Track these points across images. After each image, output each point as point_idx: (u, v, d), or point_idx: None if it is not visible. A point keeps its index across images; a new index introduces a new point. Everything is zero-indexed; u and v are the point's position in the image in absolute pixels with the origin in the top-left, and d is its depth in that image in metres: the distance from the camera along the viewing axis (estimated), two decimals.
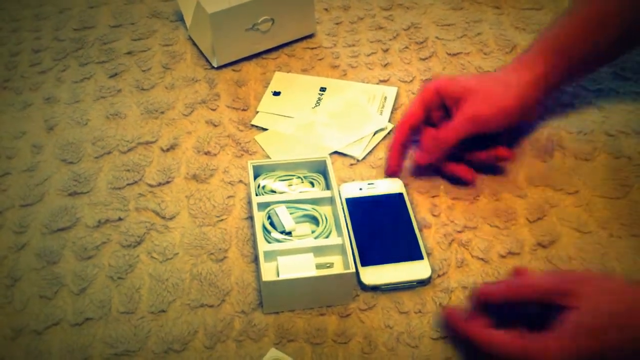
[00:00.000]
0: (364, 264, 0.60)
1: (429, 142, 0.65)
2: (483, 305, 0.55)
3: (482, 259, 0.62)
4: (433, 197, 0.67)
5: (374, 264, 0.60)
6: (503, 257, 0.62)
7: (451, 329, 0.56)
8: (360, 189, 0.66)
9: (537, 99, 0.66)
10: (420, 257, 0.60)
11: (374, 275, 0.59)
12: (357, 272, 0.59)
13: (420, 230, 0.63)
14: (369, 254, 0.61)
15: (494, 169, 0.68)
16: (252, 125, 0.75)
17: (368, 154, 0.71)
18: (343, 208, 0.64)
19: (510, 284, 0.55)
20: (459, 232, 0.64)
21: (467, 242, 0.63)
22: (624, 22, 0.64)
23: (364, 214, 0.64)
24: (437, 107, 0.67)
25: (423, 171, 0.68)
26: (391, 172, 0.68)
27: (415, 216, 0.64)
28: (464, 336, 0.54)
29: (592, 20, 0.65)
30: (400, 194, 0.66)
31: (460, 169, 0.67)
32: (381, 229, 0.63)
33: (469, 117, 0.64)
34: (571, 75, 0.68)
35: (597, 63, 0.70)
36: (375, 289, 0.59)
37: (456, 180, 0.67)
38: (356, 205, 0.65)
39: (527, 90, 0.64)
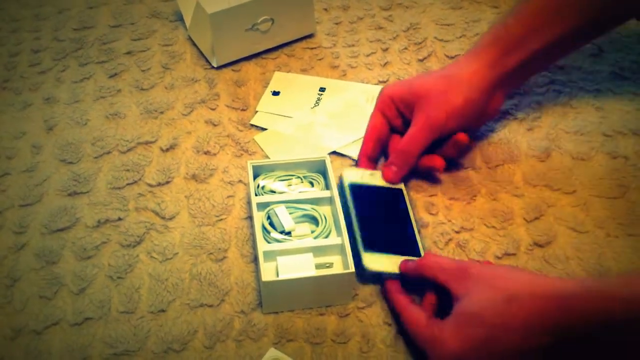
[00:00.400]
0: (366, 249, 0.60)
1: (395, 157, 0.65)
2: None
3: (478, 261, 0.62)
4: (430, 196, 0.67)
5: (376, 250, 0.60)
6: (499, 258, 0.62)
7: (387, 298, 0.58)
8: (362, 176, 0.66)
9: (487, 91, 0.64)
10: (419, 255, 0.60)
11: (376, 261, 0.59)
12: (358, 257, 0.59)
13: (419, 230, 0.63)
14: (371, 240, 0.60)
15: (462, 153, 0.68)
16: (252, 125, 0.75)
17: None
18: (345, 193, 0.64)
19: (421, 262, 0.57)
20: (457, 232, 0.64)
21: (464, 243, 0.63)
22: (583, 10, 0.62)
23: (366, 201, 0.64)
24: (395, 115, 0.67)
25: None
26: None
27: (414, 214, 0.64)
28: (392, 306, 0.57)
29: (548, 8, 0.63)
30: (400, 190, 0.66)
31: (431, 159, 0.66)
32: (382, 219, 0.63)
33: (426, 124, 0.63)
34: (526, 65, 0.64)
35: (558, 53, 0.67)
36: (376, 276, 0.59)
37: (428, 175, 0.68)
38: (359, 192, 0.64)
39: (473, 81, 0.63)
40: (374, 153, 0.68)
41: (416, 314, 0.54)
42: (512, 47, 0.63)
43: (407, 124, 0.66)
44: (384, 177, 0.66)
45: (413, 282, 0.58)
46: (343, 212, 0.62)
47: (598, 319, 0.45)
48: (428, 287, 0.57)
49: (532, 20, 0.63)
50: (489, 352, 0.49)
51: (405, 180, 0.67)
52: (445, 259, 0.56)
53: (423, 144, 0.64)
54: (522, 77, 0.68)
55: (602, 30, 0.68)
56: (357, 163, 0.68)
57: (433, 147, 0.65)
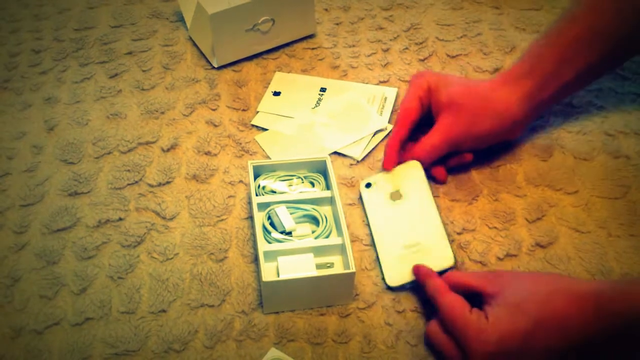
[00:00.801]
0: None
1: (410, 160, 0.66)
2: None
3: (480, 262, 0.62)
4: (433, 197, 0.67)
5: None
6: (501, 259, 0.62)
7: (419, 282, 0.58)
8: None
9: (518, 121, 0.65)
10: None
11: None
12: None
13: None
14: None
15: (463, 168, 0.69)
16: (253, 126, 0.75)
17: (368, 154, 0.71)
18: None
19: (447, 278, 0.57)
20: (458, 233, 0.64)
21: (465, 244, 0.63)
22: (615, 37, 0.63)
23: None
24: (427, 105, 0.67)
25: None
26: (389, 167, 0.67)
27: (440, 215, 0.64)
28: (427, 289, 0.57)
29: (582, 38, 0.63)
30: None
31: (436, 172, 0.67)
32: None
33: (448, 137, 0.65)
34: (561, 93, 0.66)
35: (586, 81, 0.68)
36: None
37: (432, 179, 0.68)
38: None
39: (508, 111, 0.64)
40: (406, 137, 0.67)
41: (457, 300, 0.54)
42: (548, 79, 0.64)
43: (429, 116, 0.67)
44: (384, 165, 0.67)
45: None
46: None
47: (634, 317, 0.47)
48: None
49: (566, 51, 0.64)
50: (527, 345, 0.50)
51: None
52: (469, 272, 0.58)
53: (438, 155, 0.66)
54: (549, 106, 0.69)
55: (632, 54, 0.68)
56: (387, 147, 0.67)
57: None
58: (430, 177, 0.68)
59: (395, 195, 0.65)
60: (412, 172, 0.66)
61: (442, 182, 0.68)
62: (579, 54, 0.63)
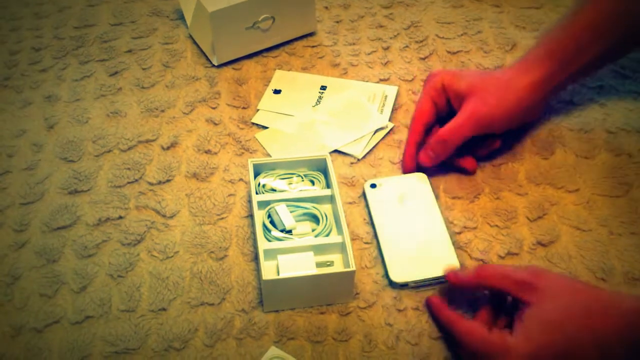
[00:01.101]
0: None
1: (436, 145, 0.66)
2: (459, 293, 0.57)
3: (481, 260, 0.62)
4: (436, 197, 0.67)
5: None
6: (502, 257, 0.62)
7: (433, 315, 0.57)
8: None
9: (538, 102, 0.66)
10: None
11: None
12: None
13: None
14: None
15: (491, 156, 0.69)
16: (253, 124, 0.75)
17: (368, 152, 0.71)
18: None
19: (480, 273, 0.56)
20: (458, 233, 0.64)
21: (466, 242, 0.63)
22: (630, 21, 0.64)
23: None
24: (444, 103, 0.68)
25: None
26: (408, 170, 0.68)
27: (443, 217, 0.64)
28: (442, 322, 0.56)
29: (597, 23, 0.64)
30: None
31: (465, 162, 0.67)
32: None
33: (474, 118, 0.64)
34: (575, 77, 0.67)
35: (603, 63, 0.69)
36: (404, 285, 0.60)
37: (459, 171, 0.68)
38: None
39: (528, 93, 0.65)
40: (421, 139, 0.67)
41: (474, 326, 0.53)
42: (565, 62, 0.64)
43: (451, 114, 0.67)
44: (419, 160, 0.66)
45: (462, 293, 0.58)
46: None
47: None
48: (483, 302, 0.56)
49: (584, 34, 0.64)
50: None
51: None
52: (508, 268, 0.55)
53: (465, 135, 0.65)
54: (564, 88, 0.70)
55: None
56: (405, 152, 0.68)
57: (466, 146, 0.66)
58: (459, 169, 0.68)
59: (401, 200, 0.65)
60: (418, 181, 0.67)
61: (471, 172, 0.67)
62: (594, 39, 0.64)
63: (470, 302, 0.58)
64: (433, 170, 0.68)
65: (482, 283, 0.55)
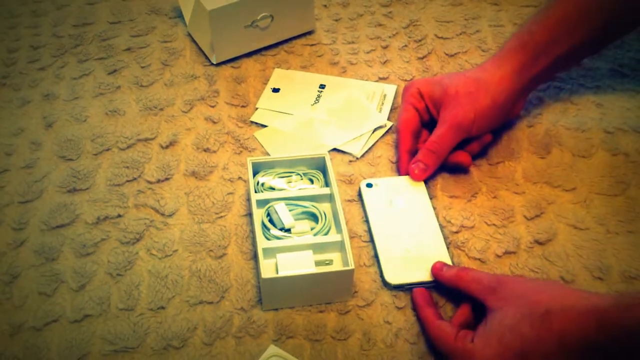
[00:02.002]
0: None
1: (424, 157, 0.66)
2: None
3: (478, 259, 0.62)
4: (430, 199, 0.67)
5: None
6: (499, 256, 0.62)
7: (415, 308, 0.58)
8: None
9: (513, 96, 0.66)
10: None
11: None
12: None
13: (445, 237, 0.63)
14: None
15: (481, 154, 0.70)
16: (252, 122, 0.75)
17: (367, 151, 0.71)
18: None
19: (459, 274, 0.57)
20: (455, 232, 0.64)
21: (464, 241, 0.63)
22: (604, 16, 0.64)
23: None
24: (424, 110, 0.68)
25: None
26: (404, 175, 0.68)
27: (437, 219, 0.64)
28: (419, 317, 0.57)
29: (570, 15, 0.64)
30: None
31: (459, 156, 0.67)
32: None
33: (454, 125, 0.65)
34: (549, 70, 0.67)
35: (578, 57, 0.70)
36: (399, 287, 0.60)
37: (454, 169, 0.68)
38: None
39: (501, 85, 0.65)
40: (413, 147, 0.68)
41: (444, 328, 0.54)
42: (537, 53, 0.65)
43: (433, 120, 0.67)
44: (412, 175, 0.66)
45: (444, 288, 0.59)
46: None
47: (634, 332, 0.45)
48: (464, 300, 0.57)
49: (557, 27, 0.65)
50: None
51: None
52: (483, 273, 0.56)
53: (451, 143, 0.66)
54: (542, 81, 0.70)
55: (620, 35, 0.70)
56: (398, 161, 0.68)
57: (458, 145, 0.67)
58: (453, 168, 0.68)
59: (396, 201, 0.65)
60: (414, 183, 0.67)
61: (467, 166, 0.68)
62: (567, 31, 0.64)
63: (456, 294, 0.58)
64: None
65: (459, 285, 0.57)
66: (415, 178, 0.66)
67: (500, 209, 0.65)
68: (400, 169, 0.68)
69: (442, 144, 0.65)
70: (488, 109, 0.65)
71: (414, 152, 0.68)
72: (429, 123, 0.69)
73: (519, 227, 0.64)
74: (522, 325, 0.50)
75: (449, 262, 0.60)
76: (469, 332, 0.53)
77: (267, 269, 0.59)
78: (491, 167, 0.69)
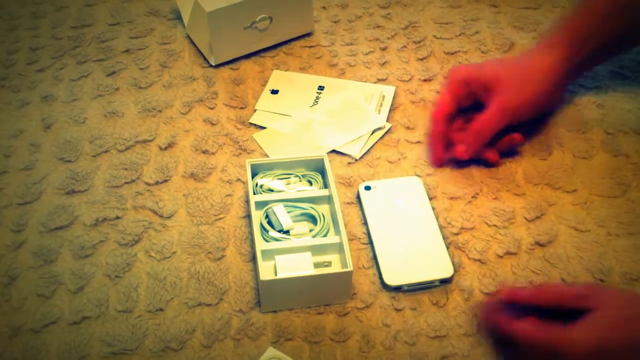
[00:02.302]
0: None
1: (469, 138, 0.67)
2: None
3: (478, 260, 0.62)
4: (430, 199, 0.67)
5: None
6: (500, 257, 0.62)
7: (484, 319, 0.57)
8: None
9: (560, 83, 0.67)
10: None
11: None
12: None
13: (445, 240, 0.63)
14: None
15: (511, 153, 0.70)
16: (250, 124, 0.75)
17: (366, 153, 0.71)
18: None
19: (537, 290, 0.56)
20: (456, 234, 0.64)
21: (464, 243, 0.63)
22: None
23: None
24: (465, 97, 0.69)
25: (459, 161, 0.69)
26: (438, 163, 0.69)
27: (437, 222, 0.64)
28: (494, 325, 0.55)
29: (607, 10, 0.66)
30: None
31: (489, 154, 0.68)
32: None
33: (502, 109, 0.66)
34: (592, 61, 0.69)
35: (623, 42, 0.70)
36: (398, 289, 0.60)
37: (483, 163, 0.69)
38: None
39: (550, 74, 0.66)
40: (446, 130, 0.69)
41: (530, 323, 0.53)
42: (584, 40, 0.66)
43: (473, 106, 0.68)
44: (457, 153, 0.67)
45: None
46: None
47: None
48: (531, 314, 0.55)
49: (603, 12, 0.66)
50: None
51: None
52: (563, 285, 0.57)
53: (497, 126, 0.66)
54: (584, 71, 0.72)
55: None
56: (431, 145, 0.69)
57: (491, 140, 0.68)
58: (482, 162, 0.68)
59: (395, 203, 0.65)
60: (412, 184, 0.67)
61: (494, 164, 0.68)
62: (605, 24, 0.66)
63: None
64: (430, 171, 0.68)
65: (541, 302, 0.54)
66: (461, 155, 0.67)
67: (501, 210, 0.65)
68: (433, 155, 0.69)
69: (488, 126, 0.66)
70: (535, 95, 0.66)
71: (444, 137, 0.68)
72: (468, 109, 0.69)
73: (519, 228, 0.64)
74: (629, 321, 0.50)
75: (449, 263, 0.60)
76: (558, 323, 0.52)
77: (266, 271, 0.59)
78: (492, 169, 0.69)
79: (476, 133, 0.67)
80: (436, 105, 0.69)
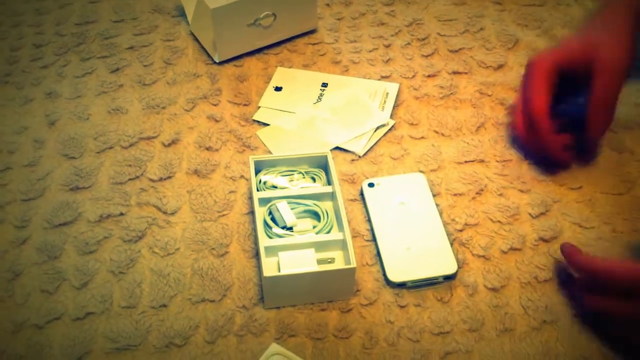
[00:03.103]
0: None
1: (597, 112, 0.63)
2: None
3: (482, 256, 0.61)
4: (434, 196, 0.66)
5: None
6: (505, 252, 0.62)
7: (570, 261, 0.57)
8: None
9: (631, 50, 0.63)
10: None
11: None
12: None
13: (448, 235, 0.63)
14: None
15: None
16: (254, 121, 0.75)
17: (369, 150, 0.71)
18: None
19: (609, 266, 0.54)
20: (460, 230, 0.63)
21: (468, 240, 0.63)
22: None
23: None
24: (555, 84, 0.65)
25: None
26: (565, 164, 0.67)
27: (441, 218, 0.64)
28: (580, 265, 0.55)
29: None
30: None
31: (565, 154, 0.67)
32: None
33: (611, 71, 0.62)
34: None
35: None
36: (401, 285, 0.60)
37: (553, 163, 0.67)
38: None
39: (628, 29, 0.63)
40: (550, 125, 0.64)
41: (620, 261, 0.53)
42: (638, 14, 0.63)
43: (565, 90, 0.65)
44: (594, 135, 0.65)
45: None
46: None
47: None
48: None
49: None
50: None
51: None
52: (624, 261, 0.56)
53: (617, 90, 0.63)
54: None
55: None
56: (549, 147, 0.65)
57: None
58: (554, 164, 0.67)
59: (399, 199, 0.65)
60: (416, 181, 0.67)
61: (567, 166, 0.67)
62: None
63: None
64: (434, 167, 0.68)
65: (611, 278, 0.53)
66: (596, 136, 0.65)
67: (505, 207, 0.65)
68: (557, 156, 0.66)
69: (610, 92, 0.62)
70: (627, 47, 0.63)
71: (556, 134, 0.65)
72: (552, 97, 0.65)
73: (524, 224, 0.64)
74: None
75: (453, 260, 0.60)
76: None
77: (269, 267, 0.59)
78: (497, 164, 0.69)
79: (602, 105, 0.62)
80: (529, 102, 0.64)
